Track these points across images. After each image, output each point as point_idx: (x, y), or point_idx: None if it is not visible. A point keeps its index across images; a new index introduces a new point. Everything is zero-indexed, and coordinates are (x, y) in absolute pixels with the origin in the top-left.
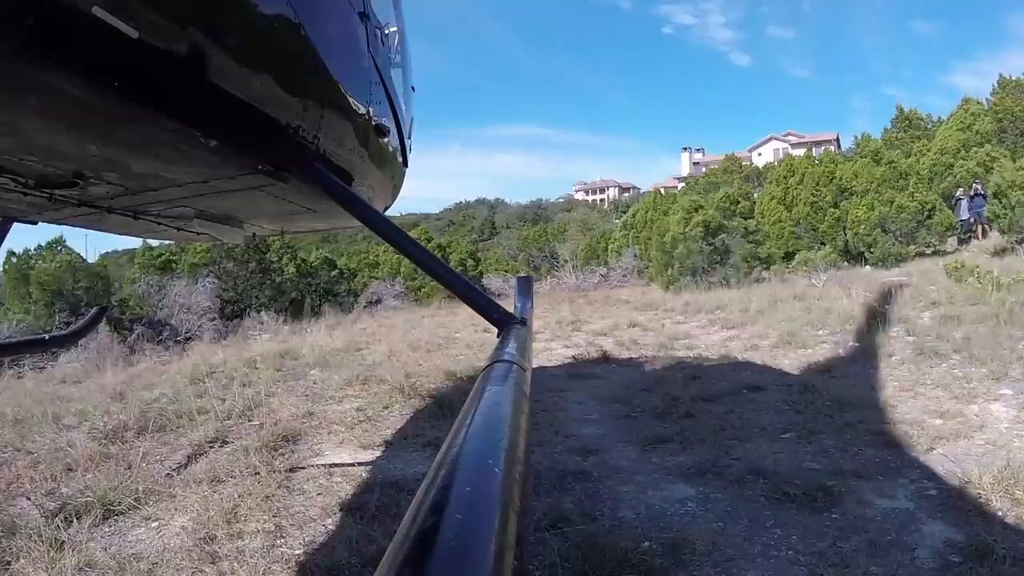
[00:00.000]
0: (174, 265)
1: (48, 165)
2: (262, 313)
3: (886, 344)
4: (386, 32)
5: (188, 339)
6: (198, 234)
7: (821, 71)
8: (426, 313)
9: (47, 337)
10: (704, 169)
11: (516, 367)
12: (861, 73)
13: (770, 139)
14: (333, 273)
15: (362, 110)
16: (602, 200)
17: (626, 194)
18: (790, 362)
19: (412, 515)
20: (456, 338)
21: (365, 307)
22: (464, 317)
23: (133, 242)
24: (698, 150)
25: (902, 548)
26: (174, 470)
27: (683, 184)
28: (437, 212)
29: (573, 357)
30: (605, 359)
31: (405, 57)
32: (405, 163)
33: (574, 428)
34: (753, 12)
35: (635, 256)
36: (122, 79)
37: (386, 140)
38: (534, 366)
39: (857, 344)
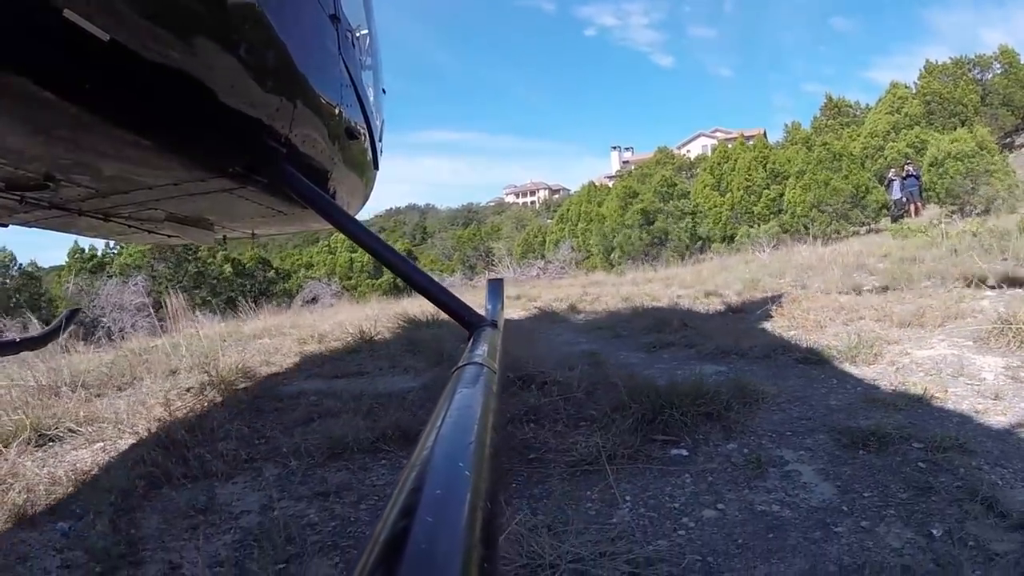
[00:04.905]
0: (107, 267)
1: (19, 168)
2: (196, 312)
3: (854, 281)
4: (357, 35)
5: (123, 336)
6: (169, 236)
7: (744, 70)
8: (367, 305)
9: (18, 339)
10: (634, 168)
11: (487, 369)
12: (783, 71)
13: (698, 136)
14: (269, 274)
15: (333, 113)
16: (533, 202)
17: (556, 195)
18: (759, 299)
19: (383, 519)
20: (404, 311)
21: (302, 305)
22: (407, 303)
23: (60, 259)
24: (627, 149)
25: (967, 376)
26: (119, 399)
27: (614, 181)
28: (368, 218)
29: (538, 308)
30: (573, 309)
31: (376, 60)
32: (376, 165)
33: (567, 348)
34: (675, 12)
35: (572, 249)
36: (93, 82)
37: (357, 142)
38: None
39: (824, 283)
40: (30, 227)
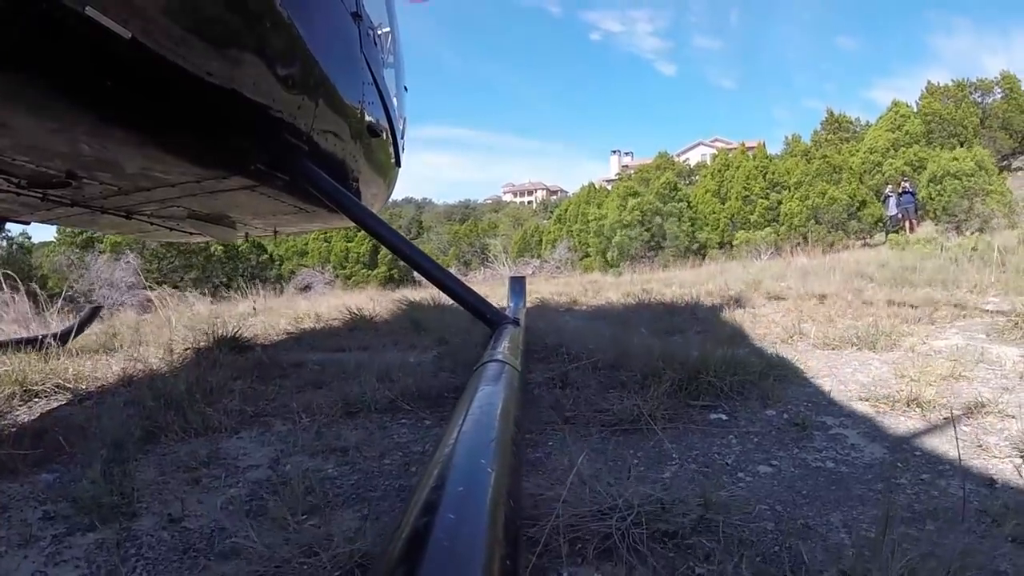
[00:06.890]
0: (97, 244)
1: (41, 165)
2: (187, 293)
3: (855, 285)
4: (379, 33)
5: (112, 315)
6: (191, 234)
7: (746, 82)
8: (363, 292)
9: (40, 336)
10: (633, 172)
11: (508, 366)
12: (785, 85)
13: (698, 144)
14: (262, 258)
15: (355, 110)
16: (530, 202)
17: (554, 196)
18: (762, 296)
19: (406, 515)
20: (404, 295)
21: (295, 292)
22: (406, 291)
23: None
24: (627, 153)
25: (988, 361)
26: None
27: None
28: None
29: (539, 300)
30: (574, 302)
31: (398, 57)
32: (398, 163)
33: (576, 335)
34: (680, 21)
35: (568, 249)
36: (115, 79)
37: (379, 140)
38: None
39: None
40: (51, 224)
